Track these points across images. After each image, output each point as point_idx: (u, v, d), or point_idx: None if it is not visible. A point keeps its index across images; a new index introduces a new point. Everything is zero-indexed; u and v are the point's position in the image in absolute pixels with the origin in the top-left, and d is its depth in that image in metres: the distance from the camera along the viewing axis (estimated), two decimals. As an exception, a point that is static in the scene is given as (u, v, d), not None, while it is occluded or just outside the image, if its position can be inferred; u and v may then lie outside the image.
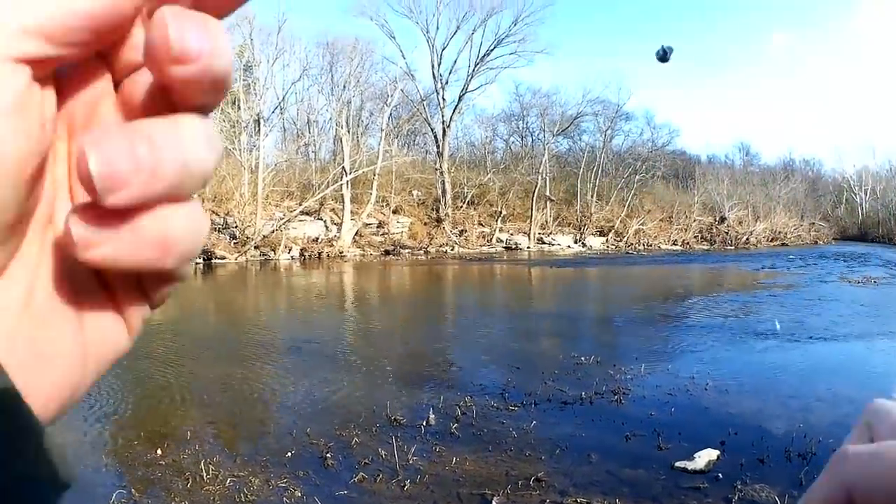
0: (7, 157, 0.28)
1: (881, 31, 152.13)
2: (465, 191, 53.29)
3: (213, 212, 40.41)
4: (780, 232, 60.86)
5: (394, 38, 52.52)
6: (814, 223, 67.21)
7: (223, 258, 37.24)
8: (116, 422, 8.62)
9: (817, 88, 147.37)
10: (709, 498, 6.03)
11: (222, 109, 46.24)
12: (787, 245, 58.37)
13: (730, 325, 16.00)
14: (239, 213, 40.46)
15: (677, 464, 6.70)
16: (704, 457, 6.75)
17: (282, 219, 41.64)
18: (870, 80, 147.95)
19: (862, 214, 76.32)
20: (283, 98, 52.65)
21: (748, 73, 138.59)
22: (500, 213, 52.23)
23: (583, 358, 11.82)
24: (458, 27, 53.25)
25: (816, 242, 62.39)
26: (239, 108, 45.81)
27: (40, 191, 0.32)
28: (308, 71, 53.48)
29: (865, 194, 77.25)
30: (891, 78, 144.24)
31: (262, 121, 44.90)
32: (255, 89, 46.50)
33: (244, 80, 47.13)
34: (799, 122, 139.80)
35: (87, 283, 0.36)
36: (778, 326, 15.03)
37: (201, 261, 36.25)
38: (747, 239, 58.32)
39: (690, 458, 6.79)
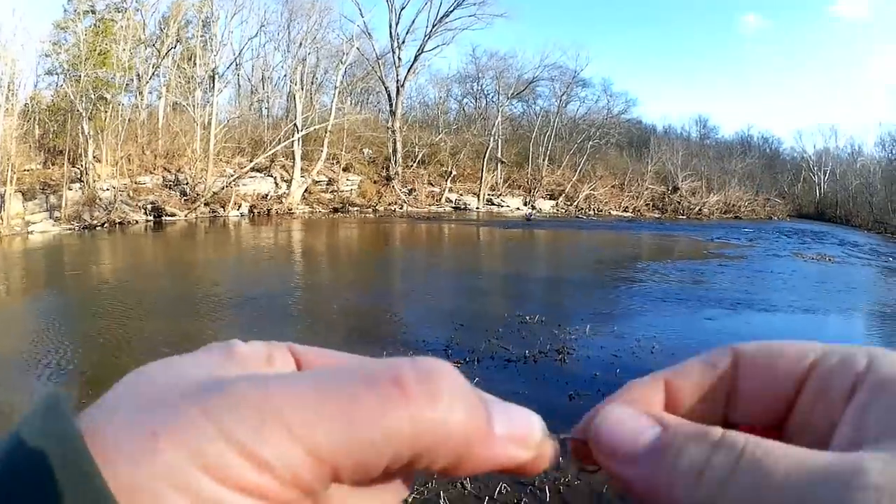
0: None
1: (852, 18, 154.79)
2: (417, 150, 53.09)
3: (165, 168, 39.77)
4: (733, 205, 60.86)
5: (354, -5, 51.40)
6: (769, 199, 67.29)
7: (173, 215, 36.58)
8: (66, 378, 8.46)
9: (783, 70, 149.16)
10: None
11: (178, 65, 45.45)
12: (740, 218, 58.39)
13: (679, 291, 16.05)
14: (190, 169, 39.76)
15: (619, 423, 6.58)
16: (647, 417, 6.65)
17: (232, 175, 41.06)
18: (836, 65, 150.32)
19: (820, 194, 76.51)
20: (240, 54, 51.80)
21: (715, 50, 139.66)
22: (451, 173, 52.20)
23: (527, 317, 11.75)
24: (419, -14, 52.46)
25: (770, 217, 62.58)
26: (195, 63, 45.02)
27: None
28: (266, 27, 52.72)
29: (824, 175, 77.59)
30: (857, 64, 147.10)
31: (216, 77, 44.19)
32: (211, 45, 45.69)
33: (202, 36, 46.29)
34: (761, 101, 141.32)
35: None
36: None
37: (151, 218, 35.72)
38: (700, 210, 58.52)
39: (632, 417, 6.67)
